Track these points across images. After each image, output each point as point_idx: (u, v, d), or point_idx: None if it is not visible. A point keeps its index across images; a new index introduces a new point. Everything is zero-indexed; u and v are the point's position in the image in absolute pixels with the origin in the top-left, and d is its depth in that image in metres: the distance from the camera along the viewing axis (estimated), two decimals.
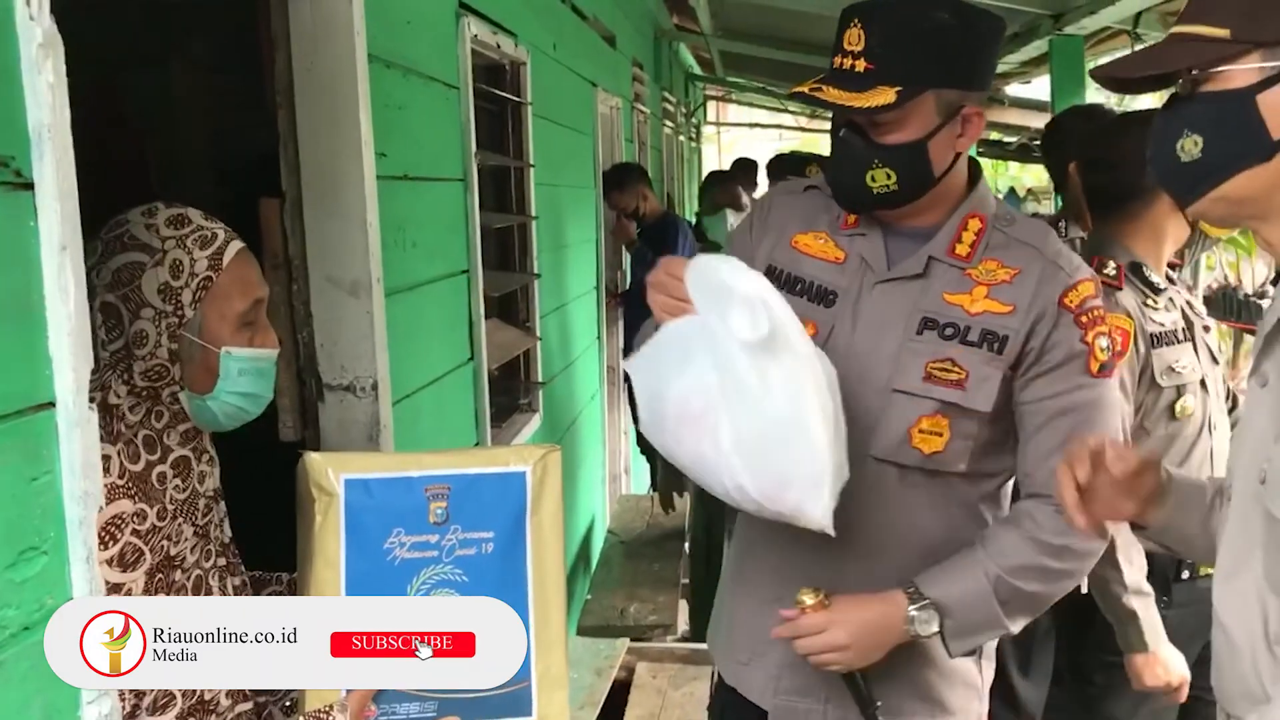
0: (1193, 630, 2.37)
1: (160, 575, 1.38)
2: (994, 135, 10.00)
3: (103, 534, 1.28)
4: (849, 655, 1.68)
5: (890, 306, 1.76)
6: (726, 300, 1.51)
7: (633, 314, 5.53)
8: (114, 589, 1.31)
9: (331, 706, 1.33)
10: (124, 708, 1.28)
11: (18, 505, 1.08)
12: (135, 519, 1.35)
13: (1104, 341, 1.72)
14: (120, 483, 1.35)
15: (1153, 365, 2.31)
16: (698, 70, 13.51)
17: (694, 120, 14.64)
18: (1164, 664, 2.30)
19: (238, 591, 1.56)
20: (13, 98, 1.08)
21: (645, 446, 4.96)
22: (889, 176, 1.68)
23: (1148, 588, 2.31)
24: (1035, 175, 14.39)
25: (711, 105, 17.79)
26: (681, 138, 12.50)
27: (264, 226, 2.00)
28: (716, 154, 19.98)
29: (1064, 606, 2.39)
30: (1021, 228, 1.78)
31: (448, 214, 2.83)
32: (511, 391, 3.87)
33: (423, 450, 1.75)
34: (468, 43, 2.93)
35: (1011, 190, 11.47)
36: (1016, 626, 1.75)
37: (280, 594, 1.70)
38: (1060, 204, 3.44)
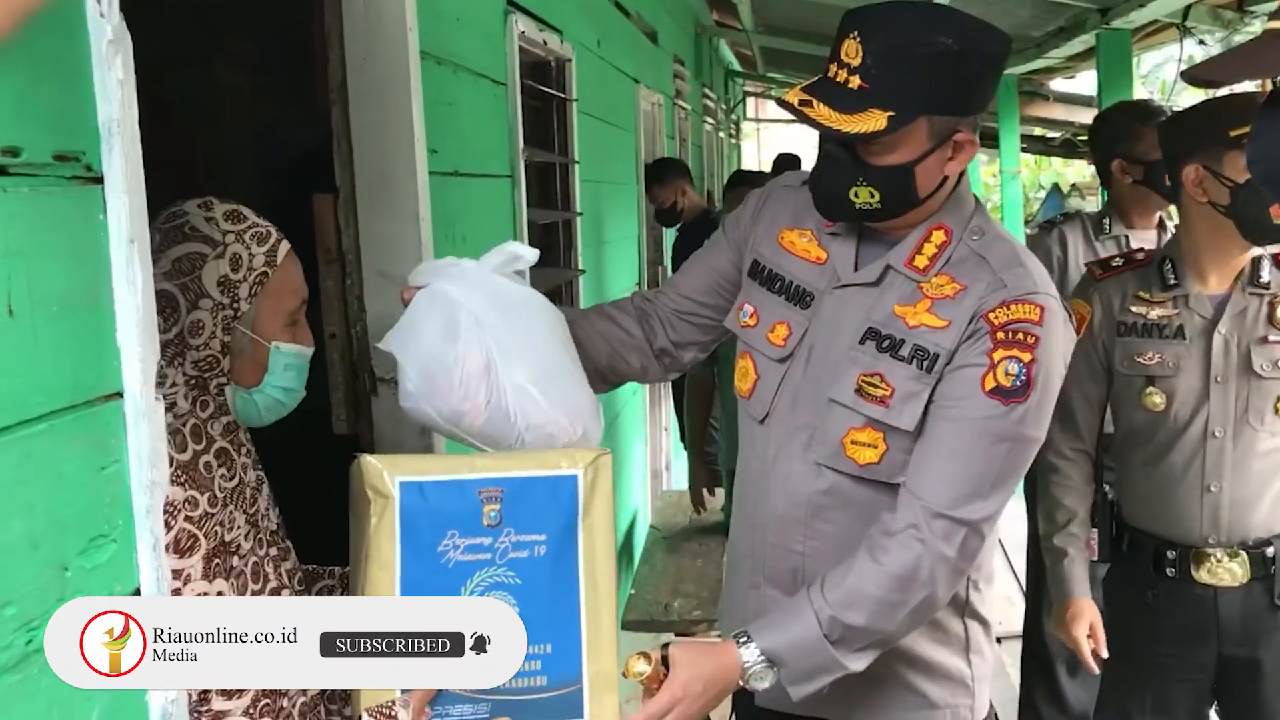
0: (1190, 631, 2.39)
1: (218, 560, 1.40)
2: (1038, 131, 9.91)
3: None
4: None
5: (845, 313, 1.74)
6: (469, 265, 1.66)
7: None
8: (172, 574, 1.32)
9: (394, 702, 1.34)
10: (192, 693, 1.30)
11: (88, 494, 1.10)
12: (187, 505, 1.37)
13: (1013, 366, 1.61)
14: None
15: (1115, 351, 2.39)
16: (737, 66, 13.49)
17: (733, 116, 14.62)
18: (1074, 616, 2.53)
19: (291, 575, 1.58)
20: (84, 93, 1.10)
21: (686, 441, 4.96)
22: (872, 195, 1.66)
23: (1061, 544, 2.51)
24: (1079, 171, 14.27)
25: (750, 102, 17.76)
26: (721, 134, 12.49)
27: (317, 222, 2.01)
28: (756, 150, 19.96)
29: None
30: (986, 241, 1.71)
31: (496, 210, 2.84)
32: None
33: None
34: (515, 39, 2.94)
35: (1055, 186, 11.39)
36: (860, 664, 1.64)
37: (333, 589, 1.72)
38: (1105, 199, 3.41)
